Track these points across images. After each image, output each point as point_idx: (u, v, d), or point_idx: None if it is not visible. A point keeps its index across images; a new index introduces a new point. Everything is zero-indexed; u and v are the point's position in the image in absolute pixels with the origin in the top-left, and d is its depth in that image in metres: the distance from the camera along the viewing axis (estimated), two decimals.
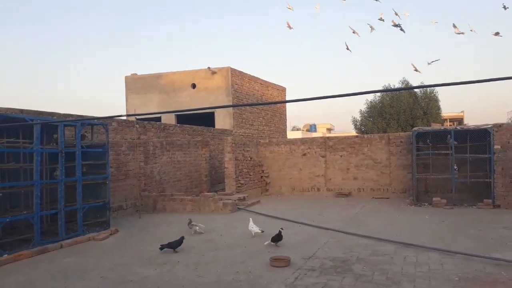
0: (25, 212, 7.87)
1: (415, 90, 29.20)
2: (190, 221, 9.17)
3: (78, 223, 8.62)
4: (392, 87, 29.61)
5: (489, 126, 12.13)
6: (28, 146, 8.01)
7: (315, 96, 3.03)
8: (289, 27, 10.14)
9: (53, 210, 8.33)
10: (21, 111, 9.48)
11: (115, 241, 8.65)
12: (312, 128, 61.38)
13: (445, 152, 12.82)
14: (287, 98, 28.13)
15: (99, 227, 9.19)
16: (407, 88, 28.41)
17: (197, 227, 9.04)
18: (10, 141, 8.04)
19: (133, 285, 5.78)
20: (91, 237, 8.71)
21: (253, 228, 8.62)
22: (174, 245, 7.52)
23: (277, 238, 7.63)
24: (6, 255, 7.08)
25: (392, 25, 9.95)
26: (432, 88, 29.60)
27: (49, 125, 8.51)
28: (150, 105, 21.44)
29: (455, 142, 12.48)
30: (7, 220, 7.48)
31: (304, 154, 16.06)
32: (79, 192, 8.62)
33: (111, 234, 9.10)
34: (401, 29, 9.90)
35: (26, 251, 7.40)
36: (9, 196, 8.26)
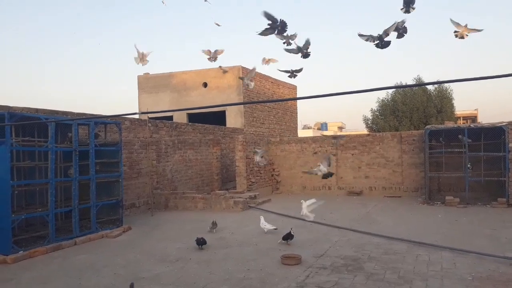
0: (40, 209, 8.01)
1: (429, 88, 28.84)
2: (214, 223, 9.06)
3: (92, 221, 8.74)
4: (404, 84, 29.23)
5: (504, 124, 11.94)
6: (43, 144, 8.15)
7: (325, 93, 3.03)
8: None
9: (67, 208, 8.46)
10: (37, 110, 9.65)
11: (128, 239, 8.75)
12: (323, 126, 61.05)
13: (458, 150, 12.66)
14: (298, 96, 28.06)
15: (112, 224, 9.30)
16: (418, 85, 28.09)
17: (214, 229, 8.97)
18: (26, 139, 8.19)
19: (145, 282, 5.84)
20: (104, 235, 8.82)
21: (266, 225, 8.72)
22: (201, 242, 7.60)
23: (287, 236, 7.70)
24: (21, 251, 7.22)
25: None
26: (446, 86, 29.20)
27: (63, 124, 8.64)
28: (162, 104, 21.59)
29: (469, 140, 12.31)
30: (23, 217, 7.62)
31: (315, 153, 16.02)
32: (92, 190, 8.74)
33: (123, 232, 9.20)
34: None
35: (41, 247, 7.53)
36: (25, 193, 8.42)
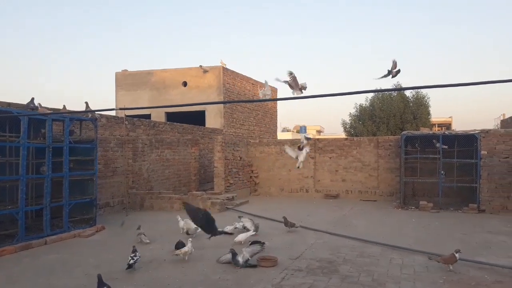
0: (9, 207, 7.74)
1: (407, 94, 29.39)
2: (139, 228, 8.34)
3: (64, 220, 8.51)
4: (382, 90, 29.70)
5: (477, 131, 12.28)
6: (14, 140, 7.89)
7: (305, 95, 3.04)
8: None
9: (39, 206, 8.22)
10: (9, 104, 9.33)
11: (101, 238, 8.56)
12: (302, 129, 61.44)
13: (432, 156, 12.96)
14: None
15: (85, 223, 9.08)
16: (395, 89, 28.64)
17: (143, 237, 8.14)
18: None
19: (118, 283, 5.72)
20: (77, 234, 8.61)
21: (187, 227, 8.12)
22: (179, 246, 7.24)
23: (179, 246, 7.12)
24: None
25: None
26: (423, 93, 29.80)
27: (37, 119, 8.39)
28: (140, 102, 21.28)
29: (445, 146, 12.61)
30: None
31: None
32: (65, 188, 8.52)
33: (97, 231, 9.01)
34: None
35: (9, 246, 7.29)
36: None
